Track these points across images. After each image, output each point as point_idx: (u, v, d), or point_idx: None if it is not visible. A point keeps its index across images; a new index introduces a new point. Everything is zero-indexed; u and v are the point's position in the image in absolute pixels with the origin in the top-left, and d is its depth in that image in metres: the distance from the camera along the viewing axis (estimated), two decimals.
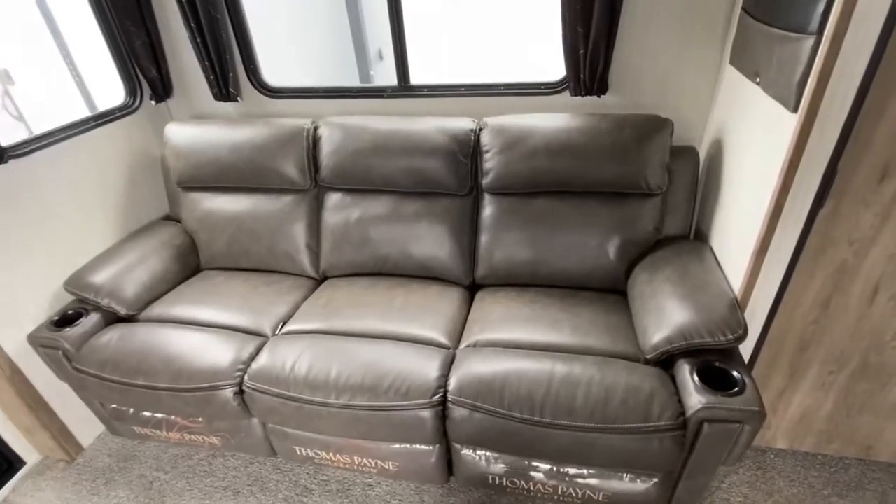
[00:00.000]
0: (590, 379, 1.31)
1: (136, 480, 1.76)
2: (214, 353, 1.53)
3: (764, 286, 1.33)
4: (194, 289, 1.86)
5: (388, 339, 1.54)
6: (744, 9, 1.42)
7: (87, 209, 1.86)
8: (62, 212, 1.76)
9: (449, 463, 1.53)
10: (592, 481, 1.43)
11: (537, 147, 1.64)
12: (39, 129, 1.71)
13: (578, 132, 1.63)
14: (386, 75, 3.48)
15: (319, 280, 1.92)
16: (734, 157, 1.49)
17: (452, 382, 1.37)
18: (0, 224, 1.57)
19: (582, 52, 1.63)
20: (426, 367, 1.41)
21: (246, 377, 1.48)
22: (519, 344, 1.49)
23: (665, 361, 1.38)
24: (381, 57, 3.34)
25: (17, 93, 2.60)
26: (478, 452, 1.45)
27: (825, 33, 1.01)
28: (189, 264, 1.97)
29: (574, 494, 1.48)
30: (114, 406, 1.70)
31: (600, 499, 1.47)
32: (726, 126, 1.56)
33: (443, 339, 1.55)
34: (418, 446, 1.47)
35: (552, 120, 1.67)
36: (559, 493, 1.49)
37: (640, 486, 1.40)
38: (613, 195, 1.66)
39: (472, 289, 1.83)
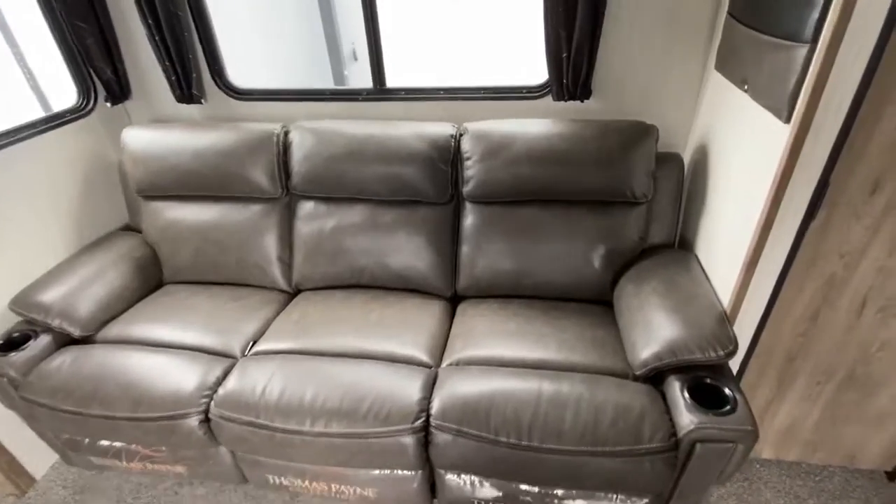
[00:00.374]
0: (578, 398, 1.25)
1: None
2: (178, 377, 1.42)
3: (753, 298, 1.30)
4: (156, 306, 1.74)
5: (366, 358, 1.45)
6: (730, 13, 1.38)
7: (38, 220, 1.71)
8: (9, 223, 1.62)
9: (432, 488, 1.46)
10: (581, 503, 1.37)
11: (520, 154, 1.58)
12: None
13: (562, 139, 1.57)
14: (361, 76, 3.36)
15: (292, 293, 1.82)
16: (720, 165, 1.46)
17: (435, 405, 1.30)
18: None
19: (565, 55, 1.57)
20: (407, 388, 1.33)
21: (212, 404, 1.38)
22: (504, 361, 1.42)
23: (655, 377, 1.33)
24: (355, 57, 3.23)
25: None
26: (462, 477, 1.38)
27: (820, 42, 0.97)
28: (150, 279, 1.84)
29: None
30: (67, 436, 1.56)
31: None
32: (711, 132, 1.53)
33: (424, 357, 1.47)
34: (399, 472, 1.40)
35: (535, 126, 1.61)
36: None
37: None
38: (598, 204, 1.61)
39: (454, 301, 1.76)
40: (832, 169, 1.08)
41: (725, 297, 1.37)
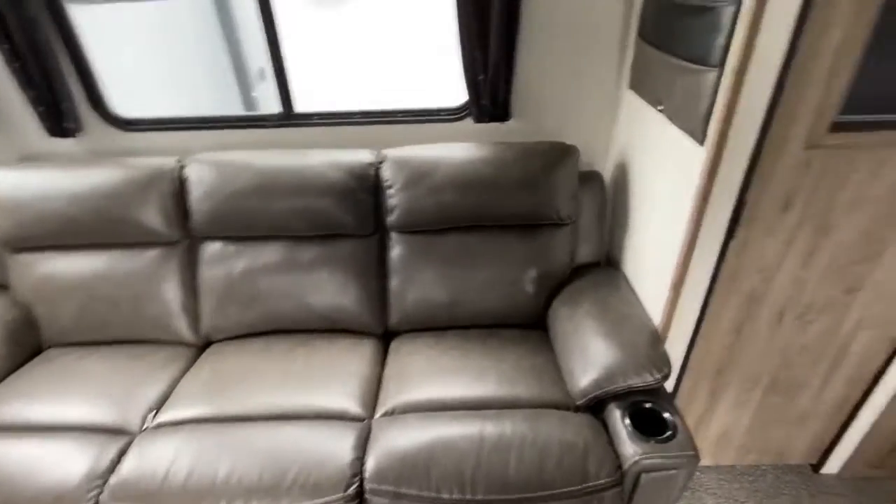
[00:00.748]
0: (522, 440, 1.19)
1: None
2: (61, 466, 1.20)
3: (682, 316, 1.31)
4: (34, 376, 1.48)
5: (289, 418, 1.30)
6: (640, 35, 1.40)
7: None
8: None
9: None
10: None
11: (444, 181, 1.51)
12: None
13: (486, 164, 1.51)
14: (270, 97, 3.17)
15: (201, 347, 1.62)
16: (641, 183, 1.47)
17: (370, 465, 1.18)
18: None
19: (481, 77, 1.52)
20: (337, 449, 1.20)
21: (104, 495, 1.17)
22: (443, 403, 1.33)
23: (595, 405, 1.30)
24: (262, 76, 3.03)
25: None
26: None
27: (727, 66, 0.98)
28: (25, 344, 1.57)
29: None
30: None
31: None
32: (630, 151, 1.54)
33: (356, 409, 1.35)
34: None
35: (458, 151, 1.55)
36: None
37: None
38: (526, 227, 1.57)
39: (386, 337, 1.64)
40: (747, 189, 1.09)
41: (656, 315, 1.37)
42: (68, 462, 1.20)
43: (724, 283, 1.24)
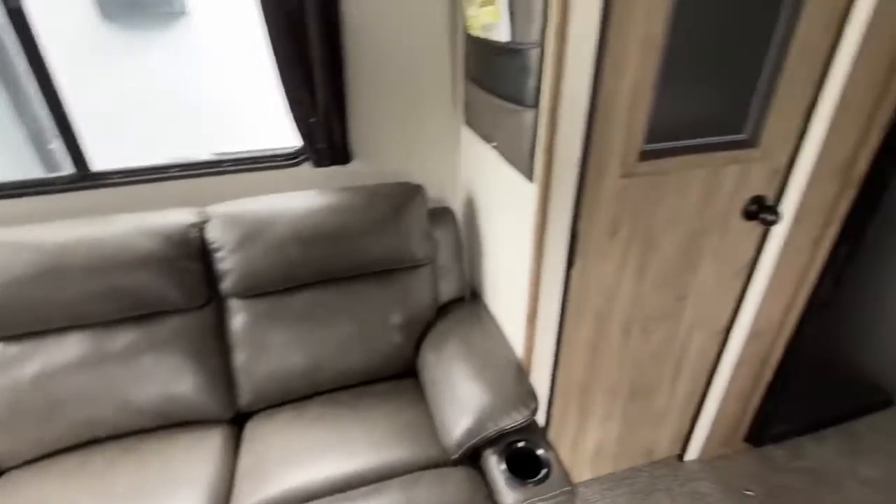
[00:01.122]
0: None
1: None
2: None
3: (542, 344, 1.32)
4: None
5: None
6: (465, 74, 1.41)
7: None
8: None
9: None
10: None
11: (285, 236, 1.36)
12: None
13: (330, 212, 1.40)
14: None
15: None
16: (488, 218, 1.47)
17: None
18: None
19: (313, 121, 1.41)
20: None
21: None
22: (307, 493, 1.17)
23: (472, 454, 1.24)
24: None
25: None
26: None
27: (541, 107, 1.00)
28: None
29: None
30: None
31: None
32: (475, 186, 1.54)
33: None
34: None
35: (297, 201, 1.41)
36: None
37: None
38: (382, 274, 1.48)
39: (238, 421, 1.43)
40: (578, 220, 1.13)
41: (518, 344, 1.36)
42: None
43: (574, 307, 1.28)
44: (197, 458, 1.27)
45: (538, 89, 0.99)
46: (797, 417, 1.85)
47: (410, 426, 1.34)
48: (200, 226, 1.36)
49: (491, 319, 1.51)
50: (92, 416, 1.28)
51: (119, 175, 1.44)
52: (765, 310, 1.46)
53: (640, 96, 1.01)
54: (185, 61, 3.05)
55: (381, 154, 1.59)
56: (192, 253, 1.33)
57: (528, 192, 1.12)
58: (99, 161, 1.45)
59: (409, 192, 1.47)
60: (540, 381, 1.37)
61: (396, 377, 1.53)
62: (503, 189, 1.30)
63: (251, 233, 1.35)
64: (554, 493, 1.11)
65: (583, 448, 1.61)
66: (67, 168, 1.45)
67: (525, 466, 1.17)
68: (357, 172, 1.59)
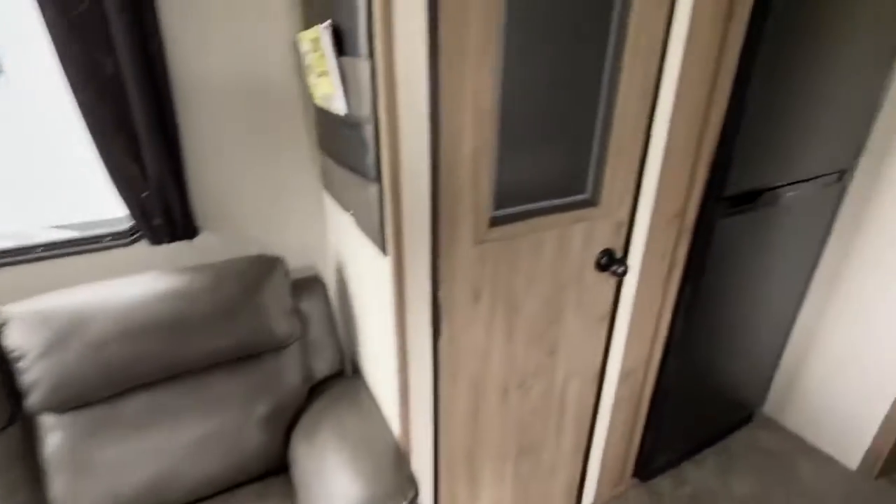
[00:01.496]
0: None
1: None
2: None
3: (419, 421, 1.24)
4: None
5: None
6: (318, 143, 1.35)
7: None
8: None
9: None
10: None
11: (108, 332, 1.15)
12: None
13: (168, 298, 1.22)
14: None
15: None
16: (358, 286, 1.39)
17: None
18: None
19: (146, 195, 1.25)
20: None
21: None
22: None
23: None
24: None
25: None
26: None
27: (384, 180, 0.96)
28: None
29: None
30: None
31: None
32: (341, 253, 1.46)
33: None
34: None
35: (126, 288, 1.22)
36: None
37: None
38: (238, 361, 1.32)
39: None
40: (437, 288, 1.09)
41: (396, 423, 1.27)
42: None
43: (447, 377, 1.22)
44: None
45: (378, 162, 0.95)
46: (677, 445, 1.95)
47: None
48: None
49: (369, 396, 1.41)
50: None
51: None
52: (631, 351, 1.53)
53: (481, 166, 1.01)
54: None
55: (236, 223, 1.46)
56: None
57: (383, 265, 1.06)
58: None
59: (264, 266, 1.35)
60: (422, 459, 1.29)
61: (268, 475, 1.35)
62: (362, 257, 1.24)
63: (64, 333, 1.13)
64: None
65: None
66: None
67: None
68: (208, 247, 1.43)
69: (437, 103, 0.91)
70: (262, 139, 1.40)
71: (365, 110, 0.92)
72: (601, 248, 1.31)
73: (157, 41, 1.14)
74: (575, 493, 1.77)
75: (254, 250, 1.48)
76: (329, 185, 1.38)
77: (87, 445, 1.17)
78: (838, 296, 1.94)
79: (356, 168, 1.05)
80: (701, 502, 1.85)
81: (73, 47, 1.05)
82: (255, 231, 1.49)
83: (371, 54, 0.86)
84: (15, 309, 1.14)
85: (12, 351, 1.11)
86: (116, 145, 1.18)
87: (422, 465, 1.29)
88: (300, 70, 1.33)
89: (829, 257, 1.94)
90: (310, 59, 1.11)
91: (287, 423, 1.37)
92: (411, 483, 1.15)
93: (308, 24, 1.17)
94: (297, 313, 1.41)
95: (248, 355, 1.33)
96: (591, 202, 1.24)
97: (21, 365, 1.11)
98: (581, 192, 1.23)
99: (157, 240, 1.34)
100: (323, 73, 1.04)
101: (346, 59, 0.94)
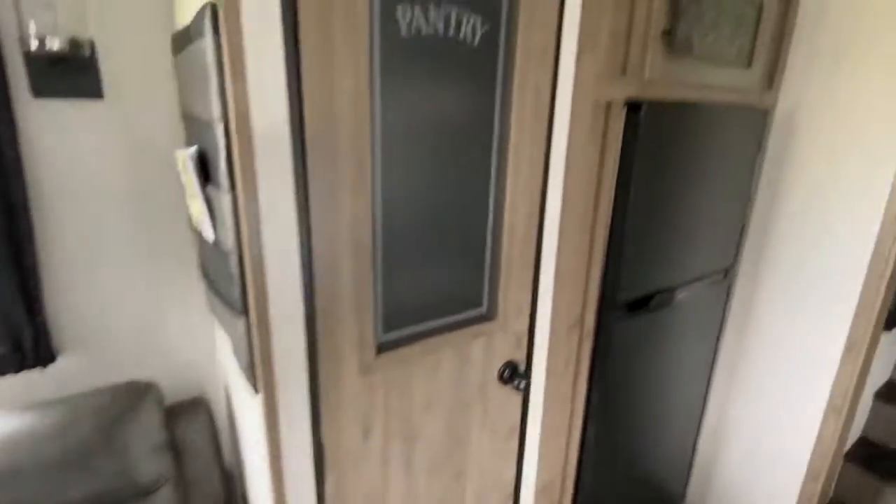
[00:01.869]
0: None
1: None
2: None
3: None
4: None
5: None
6: (199, 259, 1.26)
7: None
8: None
9: None
10: None
11: None
12: None
13: (3, 446, 1.03)
14: None
15: None
16: (242, 416, 1.25)
17: None
18: None
19: None
20: None
21: None
22: None
23: None
24: None
25: None
26: None
27: (251, 315, 0.88)
28: None
29: None
30: None
31: None
32: (228, 378, 1.33)
33: None
34: None
35: None
36: None
37: None
38: None
39: None
40: (318, 429, 0.98)
41: None
42: None
43: None
44: None
45: (244, 296, 0.87)
46: None
47: None
48: None
49: None
50: None
51: None
52: (545, 463, 1.46)
53: (363, 293, 0.97)
54: None
55: (109, 344, 1.28)
56: None
57: (254, 402, 0.95)
58: None
59: (131, 396, 1.19)
60: None
61: None
62: (242, 390, 1.12)
63: None
64: None
65: None
66: None
67: None
68: (69, 374, 1.25)
69: (308, 235, 0.87)
70: (141, 248, 1.28)
71: (229, 242, 0.86)
72: (503, 361, 1.28)
73: (10, 133, 1.02)
74: None
75: (129, 372, 1.31)
76: (212, 307, 1.27)
77: None
78: (739, 383, 2.01)
79: (227, 298, 0.96)
80: None
81: None
82: (131, 350, 1.33)
83: (232, 187, 0.81)
84: None
85: None
86: None
87: None
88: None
89: (727, 347, 2.02)
90: (183, 178, 1.05)
91: None
92: None
93: (189, 140, 1.12)
94: (172, 447, 1.23)
95: None
96: (488, 316, 1.21)
97: None
98: (477, 305, 1.21)
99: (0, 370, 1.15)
100: (193, 196, 0.98)
101: (211, 188, 0.89)
